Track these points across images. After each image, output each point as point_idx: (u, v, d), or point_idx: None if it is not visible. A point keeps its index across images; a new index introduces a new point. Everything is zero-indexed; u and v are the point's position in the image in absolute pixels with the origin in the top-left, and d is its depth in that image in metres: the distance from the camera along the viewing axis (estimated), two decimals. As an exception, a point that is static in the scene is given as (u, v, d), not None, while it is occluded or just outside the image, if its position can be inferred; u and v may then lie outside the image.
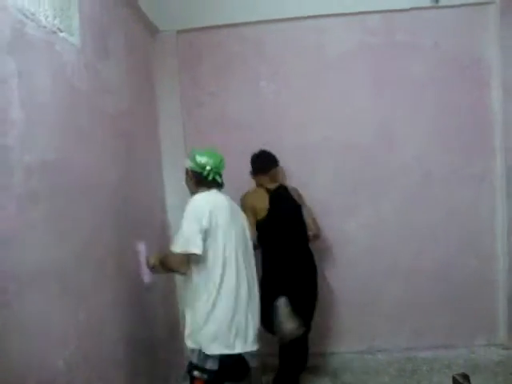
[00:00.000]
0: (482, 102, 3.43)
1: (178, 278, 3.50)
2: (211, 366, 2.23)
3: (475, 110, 3.44)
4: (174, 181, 3.43)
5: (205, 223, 2.18)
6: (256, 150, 3.24)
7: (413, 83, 3.43)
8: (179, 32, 3.44)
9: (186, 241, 2.16)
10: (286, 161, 3.39)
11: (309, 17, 3.40)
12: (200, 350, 2.24)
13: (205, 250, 2.18)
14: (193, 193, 2.39)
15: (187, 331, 2.30)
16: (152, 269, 2.39)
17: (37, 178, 1.61)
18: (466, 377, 1.95)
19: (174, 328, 3.46)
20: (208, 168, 2.34)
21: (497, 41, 3.32)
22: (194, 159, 2.37)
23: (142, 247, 2.47)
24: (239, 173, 3.12)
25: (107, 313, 2.17)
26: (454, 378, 1.95)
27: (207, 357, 2.22)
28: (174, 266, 2.25)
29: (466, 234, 3.52)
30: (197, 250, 2.15)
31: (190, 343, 2.29)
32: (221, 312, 2.21)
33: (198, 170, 2.36)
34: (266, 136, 3.43)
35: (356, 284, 3.55)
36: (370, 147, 3.44)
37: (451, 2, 3.33)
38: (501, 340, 3.53)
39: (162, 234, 3.31)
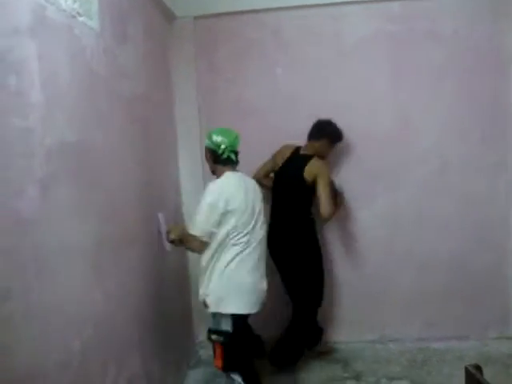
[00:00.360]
0: (500, 91, 3.38)
1: (192, 266, 3.54)
2: (225, 327, 2.47)
3: (493, 99, 3.39)
4: (188, 165, 3.49)
5: (221, 209, 2.41)
6: (273, 136, 3.33)
7: (431, 71, 3.38)
8: (196, 18, 3.42)
9: (205, 226, 2.41)
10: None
11: (327, 4, 3.36)
12: (215, 314, 2.50)
13: (230, 225, 2.43)
14: (212, 170, 2.65)
15: (203, 292, 2.52)
16: (171, 242, 2.54)
17: (57, 160, 1.62)
18: (478, 368, 1.95)
19: (187, 315, 3.51)
20: (223, 146, 2.53)
21: (517, 29, 3.26)
22: (210, 138, 2.57)
23: (161, 217, 2.68)
24: (254, 157, 3.16)
25: (123, 295, 2.19)
26: (466, 369, 1.95)
27: (221, 319, 2.48)
28: (193, 248, 2.51)
29: (481, 226, 3.50)
30: (205, 237, 2.43)
31: (211, 306, 2.50)
32: (235, 276, 2.47)
33: (215, 148, 2.55)
34: (282, 123, 3.43)
35: (369, 273, 3.56)
36: (388, 136, 3.41)
37: (472, -11, 3.28)
38: (513, 333, 3.52)
39: (176, 216, 3.32)
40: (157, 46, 3.14)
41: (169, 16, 3.34)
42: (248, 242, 2.49)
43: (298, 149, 3.25)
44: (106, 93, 2.12)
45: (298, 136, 3.30)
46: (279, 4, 3.36)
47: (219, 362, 2.51)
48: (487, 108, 3.40)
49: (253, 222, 2.53)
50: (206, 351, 3.58)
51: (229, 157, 2.55)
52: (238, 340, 2.51)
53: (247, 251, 2.49)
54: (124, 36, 2.42)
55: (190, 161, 3.48)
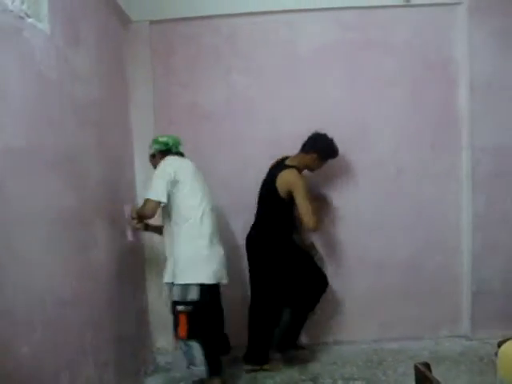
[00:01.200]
0: (450, 100, 3.52)
1: (148, 268, 3.50)
2: (192, 296, 2.64)
3: (444, 107, 3.52)
4: (144, 169, 3.42)
5: (172, 174, 2.65)
6: (229, 142, 3.32)
7: (385, 80, 3.48)
8: (152, 23, 3.41)
9: (156, 191, 2.64)
10: (256, 154, 3.42)
11: (283, 11, 3.41)
12: (181, 286, 2.65)
13: (183, 199, 2.68)
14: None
15: (171, 270, 2.74)
16: (135, 227, 2.88)
17: (3, 165, 1.58)
18: (427, 365, 2.00)
19: (144, 321, 3.45)
20: (170, 143, 2.84)
21: (465, 40, 3.39)
22: (157, 141, 2.86)
23: (127, 208, 2.96)
24: (209, 162, 3.17)
25: (74, 299, 2.14)
26: (415, 367, 2.00)
27: (187, 290, 2.64)
28: (146, 211, 2.69)
29: (433, 229, 3.61)
30: (163, 199, 2.64)
31: (172, 279, 2.72)
32: (200, 249, 2.70)
33: (163, 147, 2.83)
34: (237, 128, 3.47)
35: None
36: (343, 142, 3.44)
37: (422, 1, 3.39)
38: (464, 331, 3.63)
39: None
40: (112, 50, 3.11)
41: (124, 20, 3.31)
42: (204, 212, 2.73)
43: (283, 159, 3.20)
44: (58, 97, 2.09)
45: (252, 142, 3.35)
46: (235, 10, 3.38)
47: (183, 331, 2.64)
48: (437, 116, 3.52)
49: (203, 193, 2.76)
50: (164, 358, 3.55)
51: (177, 151, 2.85)
52: (203, 309, 2.68)
53: (205, 221, 2.73)
54: (76, 39, 2.39)
55: (145, 164, 3.42)
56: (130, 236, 3.00)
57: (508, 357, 2.09)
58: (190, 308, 2.64)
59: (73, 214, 2.20)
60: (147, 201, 2.67)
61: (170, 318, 3.31)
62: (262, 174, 3.19)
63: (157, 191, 2.64)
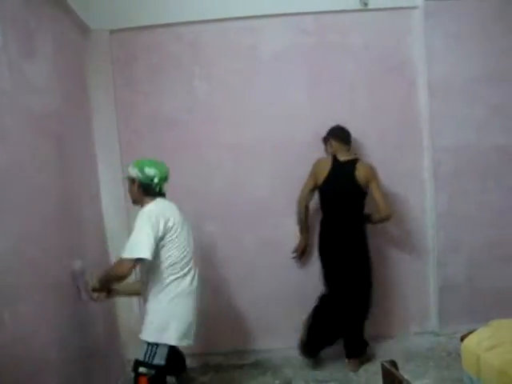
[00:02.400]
0: (410, 102, 3.59)
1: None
2: (158, 361, 2.38)
3: (404, 109, 3.59)
4: (109, 181, 3.40)
5: (160, 232, 2.34)
6: (193, 149, 3.29)
7: (345, 83, 3.53)
8: (112, 31, 3.38)
9: (136, 247, 2.29)
10: (220, 159, 3.43)
11: (243, 17, 3.43)
12: (150, 346, 2.37)
13: (165, 254, 2.38)
14: (136, 201, 2.54)
15: (147, 326, 2.42)
16: (94, 290, 2.52)
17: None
18: (393, 363, 2.02)
19: (113, 332, 3.40)
20: (156, 180, 2.47)
21: (422, 43, 3.47)
22: (142, 171, 2.46)
23: (77, 266, 2.52)
24: (173, 169, 3.14)
25: (36, 315, 2.08)
26: (382, 365, 2.03)
27: (155, 354, 2.37)
28: (118, 271, 2.34)
29: (399, 229, 3.67)
30: (146, 254, 2.27)
31: (147, 337, 2.40)
32: (182, 309, 2.44)
33: (147, 181, 2.46)
34: (201, 135, 3.47)
35: (293, 281, 3.61)
36: (305, 145, 3.50)
37: (379, 5, 3.45)
38: (432, 327, 3.70)
39: (97, 239, 3.26)
40: (71, 60, 3.07)
41: (83, 29, 3.28)
42: (189, 270, 2.48)
43: (335, 158, 3.29)
44: (12, 109, 2.04)
45: (216, 148, 3.35)
46: (196, 17, 3.39)
47: None
48: (398, 118, 3.59)
49: (189, 247, 2.50)
50: (135, 370, 3.50)
51: (160, 189, 2.51)
52: (166, 372, 2.50)
53: (188, 280, 2.47)
54: (32, 50, 2.35)
55: (110, 175, 3.39)
56: (84, 296, 2.52)
57: (469, 350, 2.15)
58: (153, 373, 2.38)
59: (35, 229, 2.16)
60: (123, 260, 2.32)
61: (140, 329, 3.30)
62: (225, 180, 3.20)
63: (139, 247, 2.28)
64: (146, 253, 2.27)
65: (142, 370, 2.37)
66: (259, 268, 3.61)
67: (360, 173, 3.19)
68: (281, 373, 3.35)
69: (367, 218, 3.30)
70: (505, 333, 2.15)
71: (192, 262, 2.51)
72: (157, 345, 2.38)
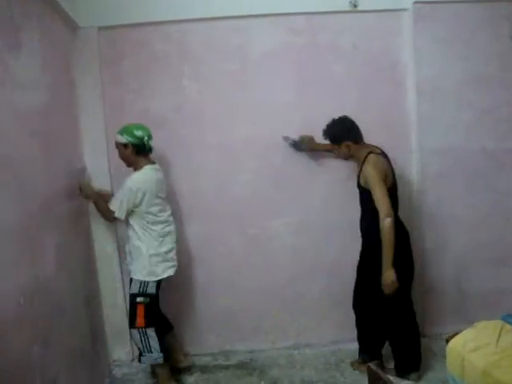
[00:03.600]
0: (398, 103, 3.59)
1: (103, 279, 3.45)
2: (151, 291, 2.98)
3: (392, 110, 3.60)
4: (96, 179, 3.36)
5: (139, 199, 2.92)
6: (181, 148, 3.26)
7: (334, 83, 3.53)
8: (101, 28, 3.34)
9: (122, 206, 2.92)
10: (208, 159, 3.42)
11: (232, 17, 3.41)
12: (142, 281, 2.97)
13: (145, 210, 2.96)
14: (131, 163, 3.04)
15: (138, 268, 3.00)
16: (86, 197, 3.12)
17: None
18: (379, 364, 2.04)
19: (98, 333, 3.36)
20: (146, 139, 2.98)
21: (411, 45, 3.48)
22: (132, 134, 2.95)
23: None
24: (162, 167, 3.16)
25: (17, 315, 2.03)
26: (368, 367, 2.04)
27: (148, 284, 2.97)
28: (105, 217, 3.09)
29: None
30: (122, 216, 2.95)
31: (139, 276, 2.99)
32: (164, 251, 3.03)
33: (138, 142, 2.96)
34: (188, 134, 3.45)
35: (279, 281, 3.61)
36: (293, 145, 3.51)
37: (368, 7, 3.45)
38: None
39: (84, 237, 3.25)
40: (58, 57, 3.03)
41: (71, 26, 3.24)
42: (165, 221, 3.05)
43: (383, 153, 3.13)
44: (-4, 105, 2.02)
45: (204, 147, 3.35)
46: (184, 16, 3.36)
47: (142, 321, 2.96)
48: (386, 119, 3.58)
49: (164, 205, 3.08)
50: (120, 370, 3.49)
51: (150, 147, 3.03)
52: (156, 300, 3.06)
53: (167, 229, 3.05)
54: (17, 46, 2.31)
55: (97, 172, 3.37)
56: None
57: (454, 351, 2.17)
58: (147, 300, 2.97)
59: (18, 227, 2.12)
60: (109, 211, 2.97)
61: (126, 329, 3.30)
62: (214, 180, 3.18)
63: (120, 208, 2.93)
64: (121, 214, 2.95)
65: (139, 299, 2.96)
66: (246, 268, 3.60)
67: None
68: (267, 373, 3.35)
69: None
70: (489, 334, 2.17)
71: (167, 216, 3.10)
72: (146, 281, 2.99)
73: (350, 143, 3.09)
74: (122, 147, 3.00)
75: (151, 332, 2.98)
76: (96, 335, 3.27)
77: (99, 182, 3.35)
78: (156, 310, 3.09)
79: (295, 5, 3.44)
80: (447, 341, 2.32)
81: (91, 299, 3.26)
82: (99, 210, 3.07)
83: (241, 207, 3.53)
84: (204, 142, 3.37)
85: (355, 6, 3.44)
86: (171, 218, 3.14)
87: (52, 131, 2.73)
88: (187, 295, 3.52)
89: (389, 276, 2.83)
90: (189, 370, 3.41)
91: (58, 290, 2.56)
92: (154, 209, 2.99)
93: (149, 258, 2.98)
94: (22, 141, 2.26)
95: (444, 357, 2.40)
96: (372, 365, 2.04)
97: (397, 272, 2.84)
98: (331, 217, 3.62)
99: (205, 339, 3.54)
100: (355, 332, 3.48)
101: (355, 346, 3.53)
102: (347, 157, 3.19)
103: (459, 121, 3.55)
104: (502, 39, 3.52)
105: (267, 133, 3.43)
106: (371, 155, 3.01)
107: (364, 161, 3.01)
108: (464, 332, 2.29)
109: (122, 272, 3.49)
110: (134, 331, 3.02)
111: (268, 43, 3.47)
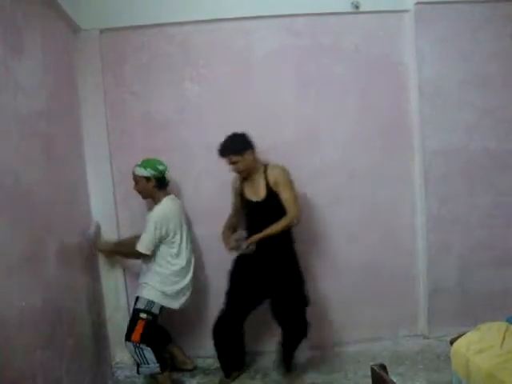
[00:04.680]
0: (400, 104, 3.59)
1: (106, 283, 3.45)
2: (155, 311, 3.07)
3: (394, 111, 3.59)
4: (98, 182, 3.38)
5: (164, 233, 3.05)
6: (183, 150, 3.36)
7: (335, 85, 3.53)
8: (102, 31, 3.35)
9: (149, 244, 3.03)
10: (209, 160, 3.40)
11: (234, 18, 3.41)
12: (149, 301, 3.06)
13: (168, 243, 3.09)
14: (150, 196, 3.16)
15: (149, 289, 3.09)
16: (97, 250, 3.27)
17: None
18: (383, 367, 2.02)
19: (101, 336, 3.36)
20: (166, 173, 3.15)
21: (412, 46, 3.48)
22: (155, 168, 3.08)
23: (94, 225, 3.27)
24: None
25: (20, 317, 2.03)
26: (372, 369, 2.02)
27: (153, 305, 3.06)
28: (130, 258, 3.27)
29: (389, 232, 3.68)
30: (150, 252, 3.06)
31: (148, 295, 3.07)
32: (177, 289, 3.14)
33: (160, 176, 3.10)
34: (190, 136, 3.46)
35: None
36: (295, 147, 3.50)
37: (370, 8, 3.46)
38: (422, 330, 3.71)
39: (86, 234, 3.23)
40: (60, 59, 3.04)
41: (73, 29, 3.25)
42: (182, 253, 3.14)
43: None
44: (-1, 108, 2.01)
45: (205, 149, 3.35)
46: (186, 18, 3.36)
47: (138, 337, 2.99)
48: (388, 120, 3.59)
49: (185, 233, 3.17)
50: (123, 372, 3.48)
51: (168, 180, 3.19)
52: (156, 322, 3.13)
53: (187, 265, 3.17)
54: (20, 49, 2.31)
55: (99, 176, 3.38)
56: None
57: (458, 353, 2.15)
58: (150, 317, 3.04)
59: (20, 230, 2.11)
60: (136, 252, 3.04)
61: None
62: (215, 182, 3.18)
63: (147, 245, 3.03)
64: (149, 250, 3.05)
65: (143, 315, 3.03)
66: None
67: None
68: (270, 376, 3.33)
69: None
70: (494, 336, 2.15)
71: (187, 246, 3.20)
72: (153, 302, 3.08)
73: (253, 151, 3.08)
74: (143, 180, 3.10)
75: (145, 346, 3.01)
76: (98, 337, 3.27)
77: (100, 185, 3.36)
78: (155, 328, 3.15)
79: (297, 6, 3.44)
80: (451, 343, 2.30)
81: (94, 301, 3.26)
82: (123, 256, 3.33)
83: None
84: (205, 143, 3.37)
85: (357, 7, 3.44)
86: (191, 253, 3.25)
87: (53, 134, 2.72)
88: (190, 298, 3.50)
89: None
90: (191, 371, 3.41)
91: (60, 293, 2.56)
92: (177, 238, 3.11)
93: (162, 288, 3.10)
94: (23, 145, 2.25)
95: (448, 358, 2.39)
96: (375, 367, 2.03)
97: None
98: (333, 219, 3.62)
99: (208, 342, 3.53)
100: (357, 333, 3.48)
101: (358, 347, 3.55)
102: (250, 167, 3.09)
103: (461, 121, 3.54)
104: (504, 39, 3.51)
105: (269, 134, 3.41)
106: (271, 163, 3.12)
107: (266, 169, 3.08)
108: (468, 334, 2.27)
109: (124, 274, 3.49)
110: (129, 344, 3.03)
111: (270, 45, 3.47)
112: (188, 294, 3.23)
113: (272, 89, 3.48)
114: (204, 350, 3.52)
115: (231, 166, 3.08)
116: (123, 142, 3.38)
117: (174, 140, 3.42)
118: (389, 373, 1.84)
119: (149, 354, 3.01)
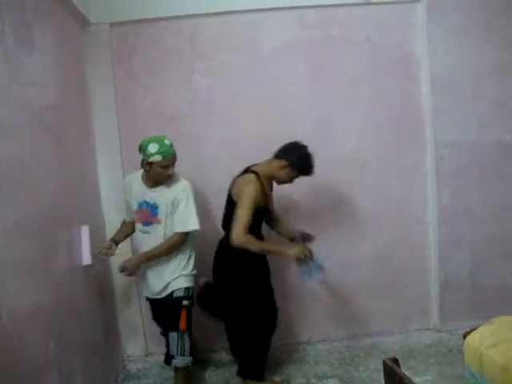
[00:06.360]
0: (412, 96, 3.55)
1: (117, 276, 3.45)
2: (192, 293, 3.00)
3: (406, 103, 3.56)
4: (108, 173, 3.39)
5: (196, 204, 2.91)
6: (192, 143, 3.33)
7: (347, 77, 3.49)
8: (112, 24, 3.34)
9: (196, 219, 2.86)
10: (218, 154, 3.41)
11: (244, 11, 3.38)
12: (187, 287, 2.95)
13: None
14: (170, 177, 2.86)
15: (180, 279, 2.95)
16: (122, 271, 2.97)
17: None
18: (395, 360, 2.01)
19: (112, 328, 3.39)
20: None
21: (424, 37, 3.43)
22: (173, 152, 2.84)
23: (84, 230, 2.81)
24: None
25: (34, 311, 2.05)
26: (384, 363, 2.01)
27: (190, 289, 2.98)
28: (172, 246, 2.89)
29: (400, 224, 3.65)
30: (198, 226, 2.88)
31: (185, 284, 2.95)
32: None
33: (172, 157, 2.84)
34: (200, 129, 3.44)
35: (292, 278, 3.55)
36: (306, 140, 3.44)
37: (381, -1, 3.42)
38: (433, 324, 3.69)
39: (96, 229, 3.21)
40: (70, 53, 3.04)
41: (83, 23, 3.24)
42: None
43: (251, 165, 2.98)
44: (9, 102, 2.01)
45: (215, 142, 3.37)
46: (196, 11, 3.34)
47: (185, 325, 2.90)
48: (400, 112, 3.55)
49: None
50: (134, 365, 3.51)
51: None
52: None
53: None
54: (30, 43, 2.31)
55: (110, 170, 3.38)
56: (85, 260, 2.78)
57: (471, 347, 2.13)
58: (191, 302, 2.98)
59: (32, 224, 2.12)
60: (179, 234, 2.87)
61: (140, 324, 3.32)
62: (225, 175, 3.15)
63: (197, 220, 2.87)
64: (197, 224, 2.87)
65: (187, 302, 2.94)
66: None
67: (235, 186, 2.93)
68: (280, 368, 3.34)
69: None
70: (507, 330, 2.13)
71: None
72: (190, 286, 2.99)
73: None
74: (165, 165, 2.80)
75: (187, 336, 2.92)
76: (110, 332, 3.29)
77: (111, 177, 3.37)
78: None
79: (306, -2, 3.40)
80: (464, 336, 2.28)
81: (105, 297, 3.28)
82: (157, 257, 2.92)
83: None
84: (215, 136, 3.36)
85: (368, -2, 3.40)
86: None
87: (64, 128, 2.73)
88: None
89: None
90: (202, 363, 3.42)
91: (71, 288, 2.58)
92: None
93: (189, 271, 3.00)
94: (34, 138, 2.26)
95: (460, 352, 2.38)
96: (388, 360, 2.02)
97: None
98: (345, 211, 3.61)
99: (219, 334, 3.53)
100: (369, 327, 3.46)
101: (369, 340, 3.55)
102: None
103: (474, 113, 3.50)
104: (518, 29, 3.45)
105: (278, 127, 3.38)
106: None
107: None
108: (481, 328, 2.25)
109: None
110: (173, 334, 2.89)
111: (280, 37, 3.44)
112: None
113: (282, 81, 3.45)
114: (215, 342, 3.53)
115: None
116: (133, 135, 3.36)
117: (183, 132, 3.38)
118: (401, 366, 1.83)
119: (188, 345, 2.91)
